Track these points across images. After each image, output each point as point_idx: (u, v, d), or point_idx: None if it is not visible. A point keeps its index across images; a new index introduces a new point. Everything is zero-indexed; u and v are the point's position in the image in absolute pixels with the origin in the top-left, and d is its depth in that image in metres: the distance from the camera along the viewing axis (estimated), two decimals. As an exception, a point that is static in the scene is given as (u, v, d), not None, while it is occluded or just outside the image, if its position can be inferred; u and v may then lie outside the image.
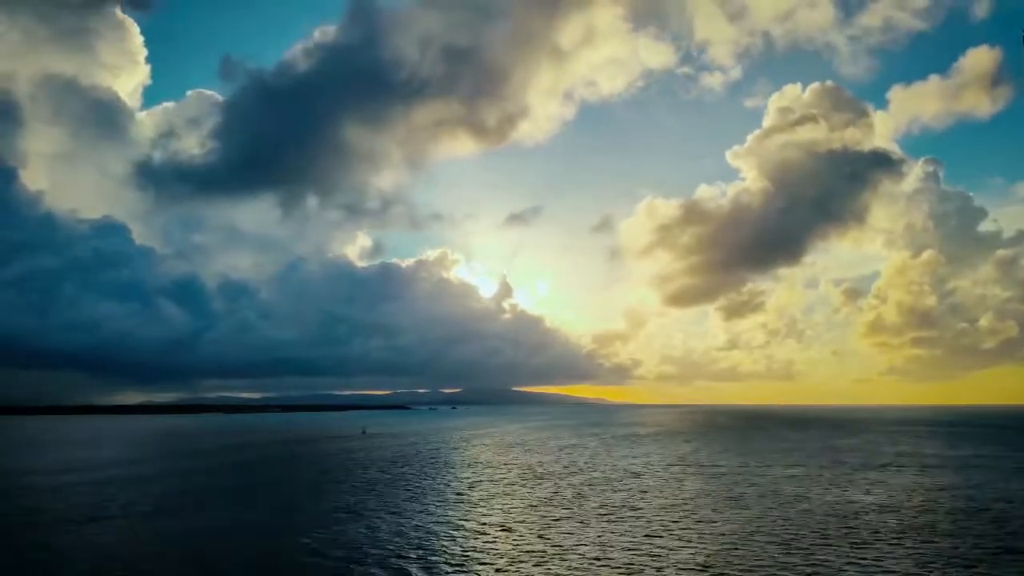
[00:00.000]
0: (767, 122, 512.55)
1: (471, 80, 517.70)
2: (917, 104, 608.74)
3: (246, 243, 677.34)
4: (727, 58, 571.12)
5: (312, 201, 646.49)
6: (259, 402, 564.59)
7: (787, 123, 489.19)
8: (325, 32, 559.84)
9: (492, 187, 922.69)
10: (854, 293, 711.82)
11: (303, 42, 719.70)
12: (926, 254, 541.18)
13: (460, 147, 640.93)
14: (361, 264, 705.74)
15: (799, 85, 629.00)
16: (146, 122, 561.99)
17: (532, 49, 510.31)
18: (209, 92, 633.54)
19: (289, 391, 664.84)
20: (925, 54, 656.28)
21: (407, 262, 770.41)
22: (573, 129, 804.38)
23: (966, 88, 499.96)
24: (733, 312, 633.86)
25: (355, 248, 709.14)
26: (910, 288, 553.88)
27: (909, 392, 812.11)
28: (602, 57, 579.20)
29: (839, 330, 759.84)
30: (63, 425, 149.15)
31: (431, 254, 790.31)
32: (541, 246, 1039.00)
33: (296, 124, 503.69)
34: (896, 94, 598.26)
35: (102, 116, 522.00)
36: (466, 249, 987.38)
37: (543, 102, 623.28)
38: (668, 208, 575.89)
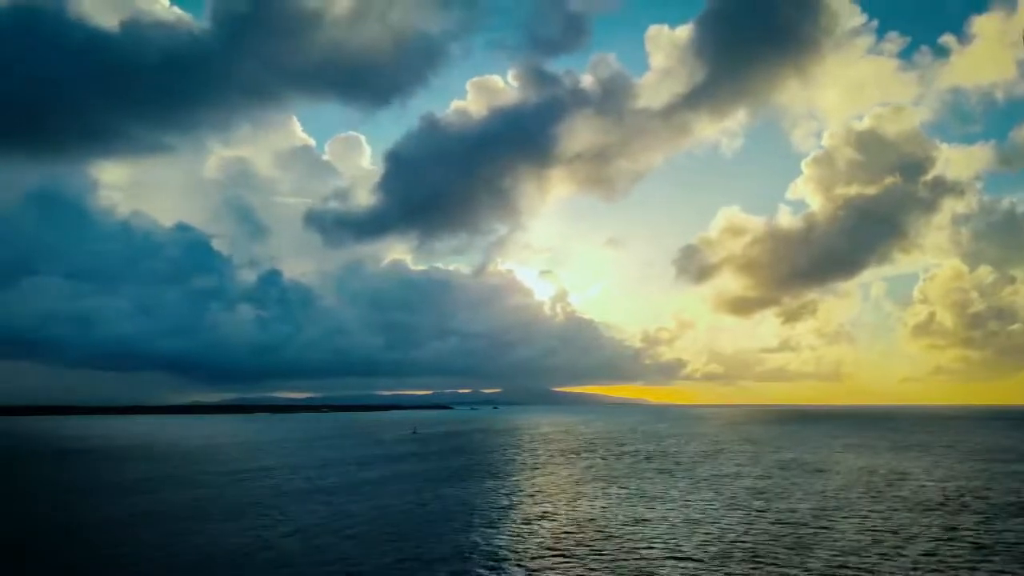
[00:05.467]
0: (827, 144, 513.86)
1: (614, 148, 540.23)
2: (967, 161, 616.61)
3: (308, 249, 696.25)
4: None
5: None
6: (303, 402, 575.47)
7: (847, 147, 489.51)
8: (481, 85, 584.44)
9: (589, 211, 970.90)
10: (904, 297, 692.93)
11: (460, 98, 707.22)
12: (976, 259, 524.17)
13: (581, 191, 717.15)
14: (416, 268, 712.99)
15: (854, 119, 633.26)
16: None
17: (672, 132, 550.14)
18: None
19: (330, 391, 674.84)
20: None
21: (456, 267, 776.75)
22: (672, 167, 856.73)
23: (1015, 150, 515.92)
24: (789, 317, 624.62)
25: (408, 252, 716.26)
26: (959, 291, 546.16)
27: (958, 392, 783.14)
28: (718, 131, 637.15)
29: (888, 332, 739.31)
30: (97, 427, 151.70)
31: (482, 261, 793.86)
32: (617, 261, 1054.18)
33: (447, 168, 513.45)
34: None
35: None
36: (532, 259, 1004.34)
37: (663, 159, 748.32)
38: (740, 222, 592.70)
